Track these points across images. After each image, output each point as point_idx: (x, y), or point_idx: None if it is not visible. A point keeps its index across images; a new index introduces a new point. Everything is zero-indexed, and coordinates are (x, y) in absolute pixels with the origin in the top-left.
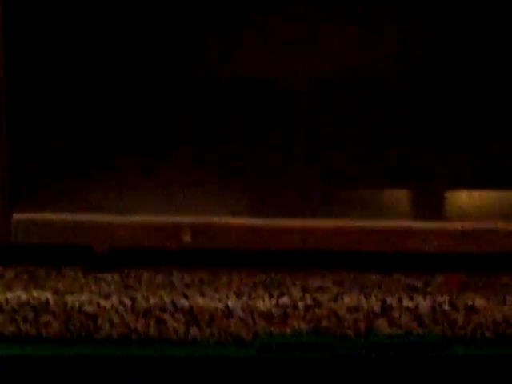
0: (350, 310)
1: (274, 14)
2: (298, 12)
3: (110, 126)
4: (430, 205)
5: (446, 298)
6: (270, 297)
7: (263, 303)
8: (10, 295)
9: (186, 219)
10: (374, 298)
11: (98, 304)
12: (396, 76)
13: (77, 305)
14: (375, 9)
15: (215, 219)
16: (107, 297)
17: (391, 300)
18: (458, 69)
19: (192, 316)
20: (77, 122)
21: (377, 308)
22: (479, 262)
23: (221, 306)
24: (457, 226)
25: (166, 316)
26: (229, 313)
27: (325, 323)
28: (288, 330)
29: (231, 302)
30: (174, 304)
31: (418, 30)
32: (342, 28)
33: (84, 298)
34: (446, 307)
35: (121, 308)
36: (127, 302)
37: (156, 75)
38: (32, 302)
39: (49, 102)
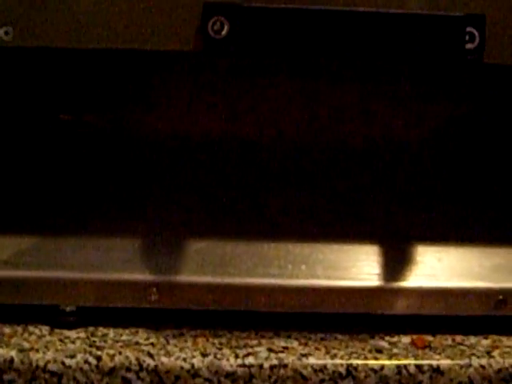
0: (315, 370)
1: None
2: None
3: (76, 185)
4: (396, 265)
5: (412, 359)
6: (236, 357)
7: (229, 363)
8: None
9: (152, 278)
10: (339, 359)
11: (63, 362)
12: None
13: (42, 363)
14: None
15: (181, 278)
16: (72, 355)
17: (357, 361)
18: None
19: (157, 375)
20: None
21: (342, 369)
22: (445, 323)
23: (186, 365)
24: (423, 286)
25: (130, 375)
26: (194, 372)
27: (290, 383)
28: None
29: (197, 362)
30: (139, 363)
31: None
32: None
33: (49, 356)
34: (412, 368)
35: (86, 366)
36: (92, 360)
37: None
38: None
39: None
